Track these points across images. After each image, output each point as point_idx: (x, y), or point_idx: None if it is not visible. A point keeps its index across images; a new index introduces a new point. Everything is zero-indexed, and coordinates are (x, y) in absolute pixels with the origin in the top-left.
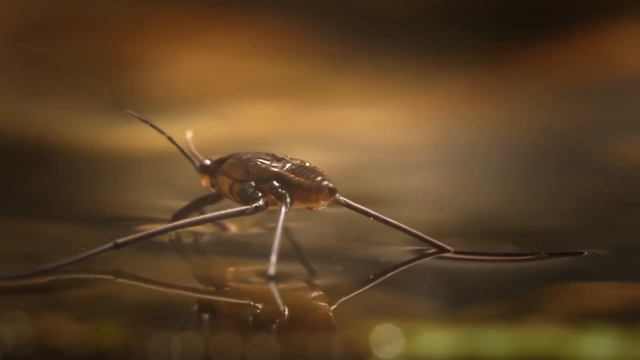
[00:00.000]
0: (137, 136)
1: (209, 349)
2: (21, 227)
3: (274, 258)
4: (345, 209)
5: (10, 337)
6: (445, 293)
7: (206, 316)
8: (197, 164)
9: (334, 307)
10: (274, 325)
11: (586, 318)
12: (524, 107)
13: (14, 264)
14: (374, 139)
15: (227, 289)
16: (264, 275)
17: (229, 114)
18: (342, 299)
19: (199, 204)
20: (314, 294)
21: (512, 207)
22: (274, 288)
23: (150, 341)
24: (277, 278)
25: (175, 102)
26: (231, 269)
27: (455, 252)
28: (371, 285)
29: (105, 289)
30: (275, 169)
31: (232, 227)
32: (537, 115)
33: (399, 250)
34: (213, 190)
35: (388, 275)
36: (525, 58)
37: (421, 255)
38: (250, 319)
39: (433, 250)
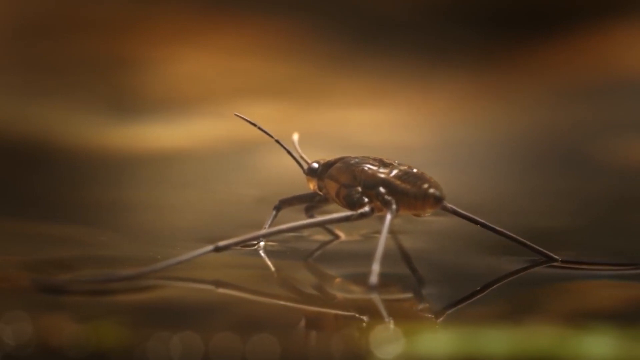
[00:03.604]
0: (137, 136)
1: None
2: (21, 227)
3: (377, 267)
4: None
5: (10, 337)
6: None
7: (305, 326)
8: (305, 167)
9: (440, 319)
10: (376, 337)
11: (586, 318)
12: (524, 107)
13: (14, 264)
14: (374, 139)
15: (327, 297)
16: (366, 284)
17: (229, 114)
18: (449, 311)
19: (306, 198)
20: (420, 305)
21: (511, 207)
22: (376, 298)
23: (248, 349)
24: (379, 287)
25: (175, 102)
26: (333, 276)
27: (563, 262)
28: (479, 296)
29: (191, 294)
30: (382, 175)
31: (340, 233)
32: (537, 115)
33: (505, 259)
34: (320, 194)
35: (496, 285)
36: (525, 58)
37: (529, 265)
38: (353, 329)
39: (540, 259)
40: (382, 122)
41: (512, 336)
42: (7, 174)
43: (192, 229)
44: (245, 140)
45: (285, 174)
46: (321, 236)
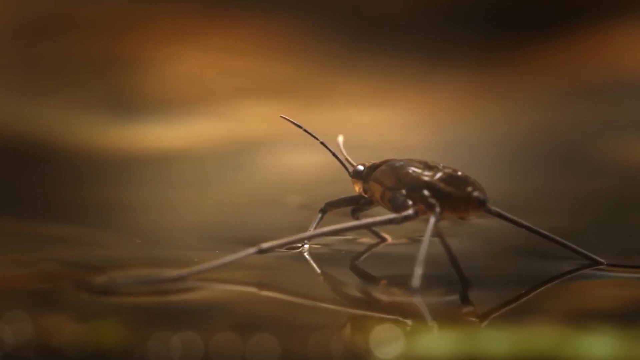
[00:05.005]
0: (137, 136)
1: None
2: (21, 227)
3: (419, 270)
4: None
5: (10, 337)
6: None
7: (347, 329)
8: (350, 169)
9: (484, 323)
10: (419, 340)
11: (586, 318)
12: (524, 107)
13: (14, 264)
14: (374, 139)
15: (369, 300)
16: (408, 287)
17: (229, 114)
18: (494, 315)
19: (351, 201)
20: (464, 308)
21: (511, 207)
22: (418, 301)
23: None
24: (422, 290)
25: (175, 102)
26: (378, 278)
27: (608, 265)
28: (523, 300)
29: (232, 295)
30: (426, 178)
31: (387, 236)
32: (537, 115)
33: (550, 263)
34: (365, 196)
35: (541, 289)
36: (525, 58)
37: (574, 268)
38: (395, 332)
39: (586, 263)
40: (382, 122)
41: (512, 336)
42: (7, 174)
43: (192, 229)
44: (245, 140)
45: (285, 174)
46: (367, 239)
